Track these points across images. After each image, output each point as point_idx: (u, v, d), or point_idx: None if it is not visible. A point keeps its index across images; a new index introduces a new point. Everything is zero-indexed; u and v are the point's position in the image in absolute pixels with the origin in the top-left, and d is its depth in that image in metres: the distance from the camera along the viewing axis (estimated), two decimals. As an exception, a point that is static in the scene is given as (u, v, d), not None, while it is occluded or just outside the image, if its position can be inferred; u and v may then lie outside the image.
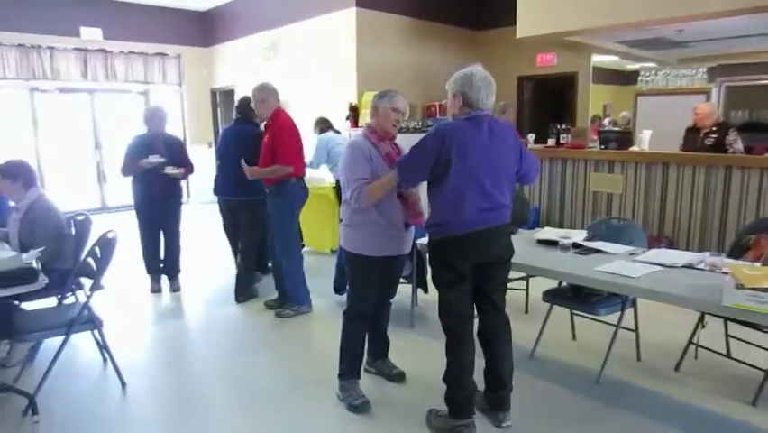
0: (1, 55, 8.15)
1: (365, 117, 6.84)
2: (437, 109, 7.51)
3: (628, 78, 9.61)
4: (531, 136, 6.27)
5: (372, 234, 2.69)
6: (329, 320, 4.10)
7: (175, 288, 4.89)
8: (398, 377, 3.09)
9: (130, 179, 4.71)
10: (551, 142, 6.21)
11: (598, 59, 7.89)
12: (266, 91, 4.03)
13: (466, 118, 2.39)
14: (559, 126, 6.24)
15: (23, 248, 3.15)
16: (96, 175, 9.41)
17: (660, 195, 5.19)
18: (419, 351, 3.50)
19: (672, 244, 4.89)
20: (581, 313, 3.32)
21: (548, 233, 3.43)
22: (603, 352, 3.07)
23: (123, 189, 9.68)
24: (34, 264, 2.52)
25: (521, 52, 7.78)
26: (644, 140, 5.56)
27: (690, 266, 2.73)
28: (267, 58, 8.45)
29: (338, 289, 4.27)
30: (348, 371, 2.85)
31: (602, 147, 5.73)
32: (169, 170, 4.57)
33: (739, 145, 4.88)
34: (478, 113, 2.39)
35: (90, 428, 2.73)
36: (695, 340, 3.21)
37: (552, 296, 3.29)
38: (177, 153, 4.72)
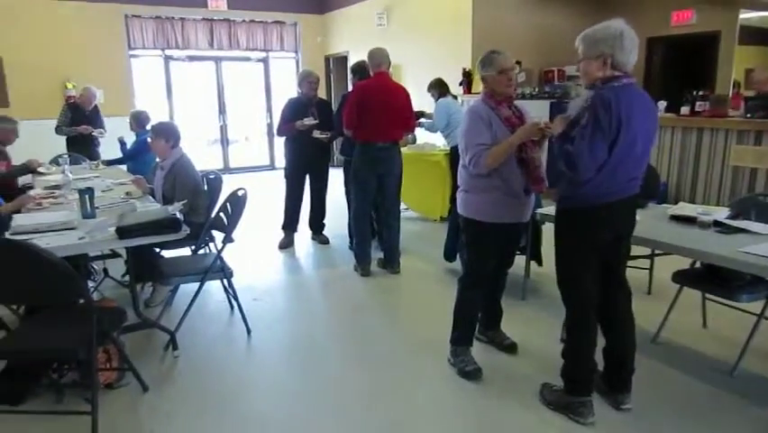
0: (141, 27, 8.93)
1: (480, 83, 6.67)
2: (555, 75, 7.12)
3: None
4: (662, 104, 5.75)
5: (492, 200, 2.63)
6: (439, 286, 4.15)
7: (323, 241, 5.28)
8: (511, 348, 3.05)
9: (282, 140, 5.10)
10: (684, 110, 5.66)
11: (746, 15, 7.00)
12: (367, 57, 4.34)
13: (618, 85, 2.18)
14: (695, 93, 5.66)
15: (166, 202, 3.50)
16: (220, 138, 10.11)
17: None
18: (531, 324, 3.42)
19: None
20: (717, 298, 3.04)
21: (684, 208, 3.16)
22: (739, 343, 2.81)
23: (242, 152, 10.49)
24: (178, 215, 2.78)
25: (653, 10, 7.11)
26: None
27: None
28: (380, 23, 8.46)
29: (449, 256, 4.26)
30: (461, 337, 2.85)
31: (748, 116, 5.12)
32: (317, 133, 4.81)
33: None
34: (627, 79, 2.20)
35: (222, 366, 3.00)
36: None
37: (683, 277, 3.03)
38: (326, 117, 4.92)
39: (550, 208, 3.36)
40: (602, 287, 2.46)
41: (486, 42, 6.78)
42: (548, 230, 3.62)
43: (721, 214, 2.96)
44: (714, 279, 2.86)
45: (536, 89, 6.88)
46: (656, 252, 3.64)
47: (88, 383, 2.41)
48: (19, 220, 3.02)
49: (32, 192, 3.79)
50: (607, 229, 2.32)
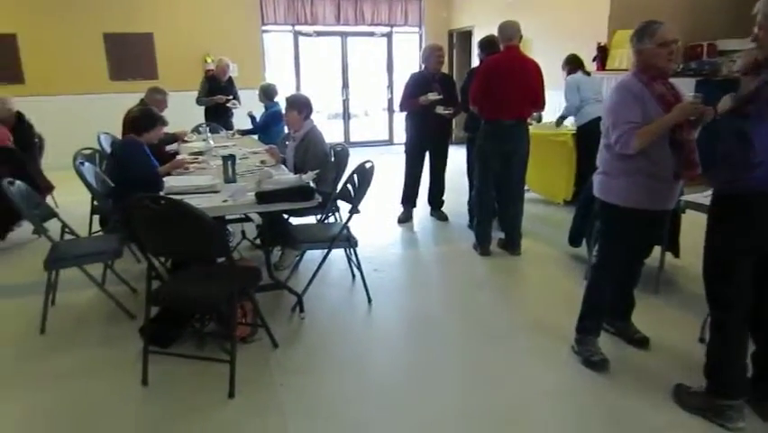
0: (273, 3, 9.36)
1: (616, 58, 6.20)
2: (704, 50, 6.40)
3: None
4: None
5: (636, 184, 2.44)
6: (561, 271, 4.00)
7: (441, 217, 5.29)
8: (641, 342, 2.85)
9: (403, 115, 5.12)
10: None
11: None
12: (498, 30, 4.15)
13: None
14: None
15: (297, 171, 3.65)
16: (342, 112, 10.41)
17: None
18: (663, 319, 3.16)
19: None
20: None
21: None
22: None
23: (362, 127, 10.75)
24: (311, 184, 2.91)
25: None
26: None
27: None
28: (508, -5, 8.13)
29: (573, 240, 4.06)
30: (589, 326, 2.71)
31: None
32: (440, 109, 4.79)
33: None
34: None
35: (344, 332, 3.13)
36: None
37: None
38: (449, 92, 4.89)
39: (695, 195, 3.09)
40: (758, 284, 2.21)
41: (624, 13, 6.28)
42: (687, 219, 3.33)
43: None
44: None
45: (680, 66, 6.23)
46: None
47: (227, 335, 2.63)
48: (171, 182, 3.34)
49: (179, 157, 4.17)
50: None
